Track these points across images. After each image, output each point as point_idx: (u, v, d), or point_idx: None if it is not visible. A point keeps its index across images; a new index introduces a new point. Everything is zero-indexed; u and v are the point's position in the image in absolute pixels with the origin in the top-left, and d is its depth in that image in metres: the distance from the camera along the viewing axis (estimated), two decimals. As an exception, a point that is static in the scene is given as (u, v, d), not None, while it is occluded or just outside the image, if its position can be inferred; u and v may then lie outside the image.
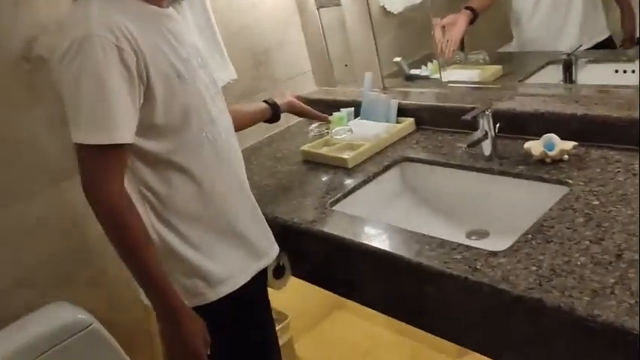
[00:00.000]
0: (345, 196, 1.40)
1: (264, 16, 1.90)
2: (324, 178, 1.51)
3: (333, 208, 1.36)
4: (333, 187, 1.44)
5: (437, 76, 1.78)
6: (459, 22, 1.77)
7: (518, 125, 1.42)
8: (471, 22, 1.76)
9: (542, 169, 1.27)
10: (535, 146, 1.30)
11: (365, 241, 1.18)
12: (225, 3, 1.80)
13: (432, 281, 1.06)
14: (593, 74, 1.57)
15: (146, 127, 1.00)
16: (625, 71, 1.50)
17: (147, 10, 1.04)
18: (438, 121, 1.62)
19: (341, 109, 1.75)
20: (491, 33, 1.85)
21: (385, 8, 1.88)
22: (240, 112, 1.40)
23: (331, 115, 1.71)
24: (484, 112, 1.34)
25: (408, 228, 1.18)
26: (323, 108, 1.73)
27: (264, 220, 1.24)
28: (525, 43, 1.74)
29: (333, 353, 2.10)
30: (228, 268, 1.14)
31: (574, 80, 1.56)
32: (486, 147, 1.36)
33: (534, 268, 0.95)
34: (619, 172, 1.18)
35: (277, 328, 1.44)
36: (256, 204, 1.22)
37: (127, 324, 1.60)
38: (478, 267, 0.99)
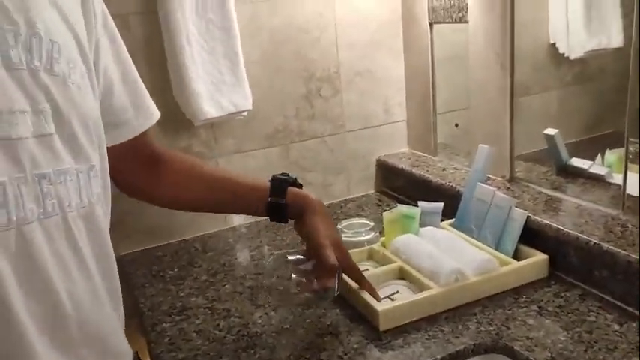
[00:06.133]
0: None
1: (339, 19, 1.18)
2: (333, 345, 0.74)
3: None
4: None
5: (619, 179, 0.92)
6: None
7: None
8: None
9: None
10: None
11: None
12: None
13: None
14: None
15: None
16: None
17: None
18: (605, 279, 0.78)
19: (420, 203, 0.97)
20: None
21: (557, 48, 1.09)
22: (226, 182, 0.78)
23: (392, 208, 0.94)
24: None
25: None
26: (405, 186, 1.05)
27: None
28: None
29: None
30: None
31: None
32: None
33: None
34: None
35: None
36: None
37: None
38: None
